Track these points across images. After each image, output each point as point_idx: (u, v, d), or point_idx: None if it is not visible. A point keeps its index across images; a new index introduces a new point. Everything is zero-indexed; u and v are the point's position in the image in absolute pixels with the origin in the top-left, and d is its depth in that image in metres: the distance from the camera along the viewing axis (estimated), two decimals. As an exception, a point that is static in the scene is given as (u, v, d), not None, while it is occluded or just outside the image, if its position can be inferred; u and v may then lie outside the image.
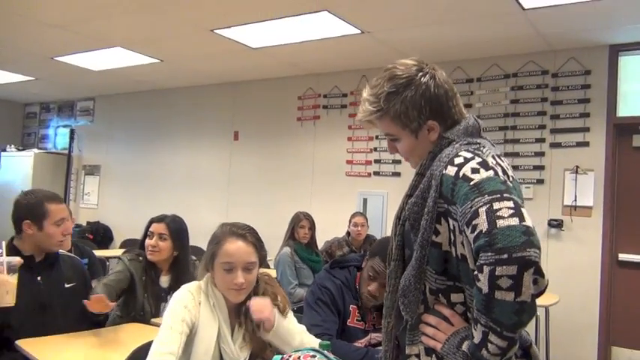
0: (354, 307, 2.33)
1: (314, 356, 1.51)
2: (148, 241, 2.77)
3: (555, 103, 4.80)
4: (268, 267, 4.58)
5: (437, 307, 1.28)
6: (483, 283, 1.07)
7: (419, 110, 1.33)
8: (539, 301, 3.82)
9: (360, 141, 5.83)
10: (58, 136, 8.87)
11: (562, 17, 4.06)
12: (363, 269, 2.33)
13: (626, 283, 4.53)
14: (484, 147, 1.28)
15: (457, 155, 1.24)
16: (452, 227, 1.22)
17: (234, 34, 4.87)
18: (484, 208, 1.10)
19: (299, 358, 1.52)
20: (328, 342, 1.61)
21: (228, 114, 6.91)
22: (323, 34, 4.72)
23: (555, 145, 4.77)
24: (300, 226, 4.59)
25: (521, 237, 1.05)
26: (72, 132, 8.50)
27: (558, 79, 4.80)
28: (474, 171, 1.18)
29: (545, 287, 1.12)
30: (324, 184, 6.08)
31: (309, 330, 2.01)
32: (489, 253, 1.06)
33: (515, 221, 1.07)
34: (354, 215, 5.02)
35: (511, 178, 1.23)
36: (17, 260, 2.02)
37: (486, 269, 1.06)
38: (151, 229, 2.80)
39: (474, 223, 1.10)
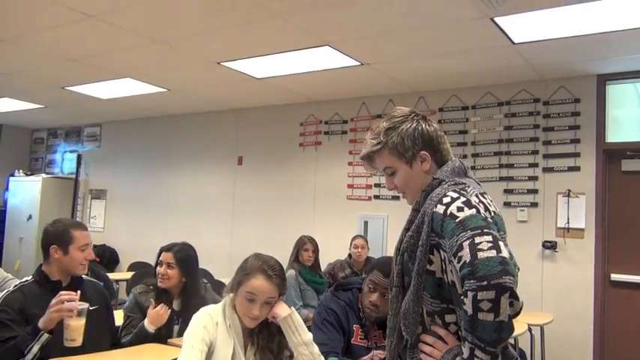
0: (357, 326, 2.52)
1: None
2: (158, 269, 2.95)
3: (547, 129, 4.99)
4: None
5: (433, 327, 1.47)
6: (468, 306, 1.26)
7: (413, 141, 1.57)
8: (535, 321, 4.00)
9: (360, 166, 5.93)
10: (65, 161, 9.06)
11: (550, 50, 4.27)
12: (363, 286, 2.53)
13: (619, 302, 4.68)
14: (469, 187, 1.48)
15: (445, 195, 1.44)
16: (443, 257, 1.42)
17: (239, 66, 5.08)
18: (467, 242, 1.30)
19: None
20: (336, 358, 1.79)
21: (232, 140, 7.09)
22: (324, 66, 4.93)
23: (548, 170, 4.96)
24: (305, 249, 4.76)
25: (498, 266, 1.25)
26: (79, 157, 8.70)
27: (549, 107, 5.01)
28: (459, 209, 1.38)
29: (520, 309, 1.31)
30: (326, 207, 6.23)
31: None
32: (472, 281, 1.25)
33: (493, 253, 1.27)
34: (354, 238, 5.20)
35: (492, 214, 1.44)
36: (86, 306, 2.25)
37: (470, 294, 1.25)
38: (160, 258, 2.97)
39: (459, 254, 1.30)
